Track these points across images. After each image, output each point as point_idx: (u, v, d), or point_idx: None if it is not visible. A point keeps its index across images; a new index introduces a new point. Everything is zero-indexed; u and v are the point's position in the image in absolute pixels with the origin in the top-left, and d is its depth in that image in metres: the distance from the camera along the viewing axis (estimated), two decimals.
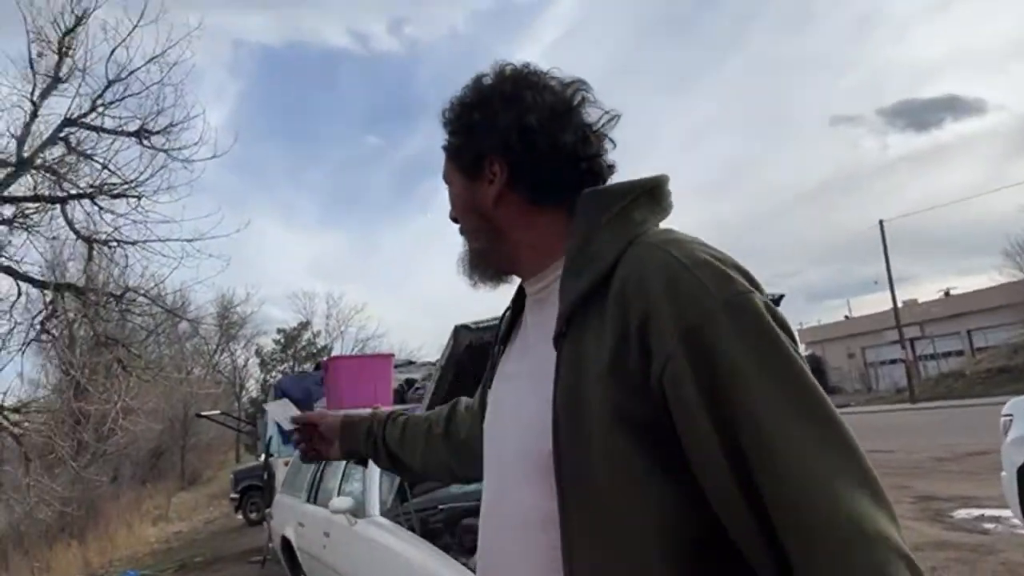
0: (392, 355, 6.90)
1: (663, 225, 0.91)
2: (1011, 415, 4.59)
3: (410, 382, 6.45)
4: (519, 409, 0.95)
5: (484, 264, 1.04)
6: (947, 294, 36.54)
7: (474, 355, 2.85)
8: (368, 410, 1.51)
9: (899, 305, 30.25)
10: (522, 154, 0.96)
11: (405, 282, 51.31)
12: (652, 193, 0.93)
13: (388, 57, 48.66)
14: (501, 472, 0.98)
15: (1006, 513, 5.87)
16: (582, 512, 0.82)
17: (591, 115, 0.98)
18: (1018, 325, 25.99)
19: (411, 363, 8.21)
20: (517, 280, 1.07)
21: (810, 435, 0.72)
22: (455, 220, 1.07)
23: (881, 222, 29.52)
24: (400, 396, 6.20)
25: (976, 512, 7.00)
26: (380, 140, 53.78)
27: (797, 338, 0.81)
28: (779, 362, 0.75)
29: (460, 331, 2.76)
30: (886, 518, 0.71)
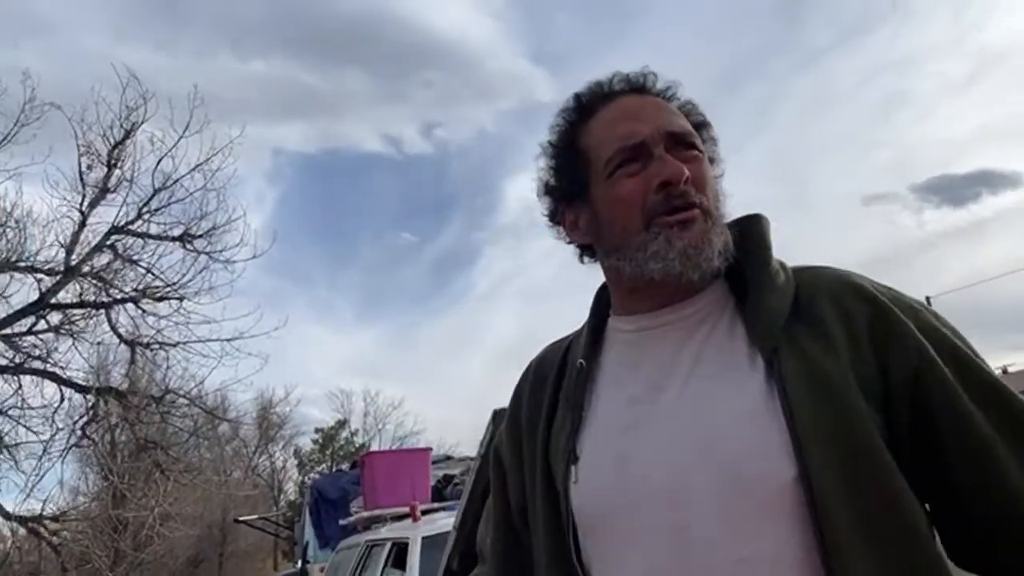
0: (430, 449, 6.70)
1: None
2: None
3: (448, 478, 6.18)
4: (705, 450, 0.78)
5: (720, 256, 0.85)
6: (1004, 371, 35.04)
7: None
8: None
9: None
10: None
11: (442, 377, 50.97)
12: None
13: (420, 159, 50.21)
14: (678, 536, 0.78)
15: None
16: (857, 543, 0.71)
17: None
18: None
19: (448, 458, 7.94)
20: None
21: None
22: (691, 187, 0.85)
23: (928, 299, 28.81)
24: (438, 493, 5.95)
25: None
26: (413, 236, 54.92)
27: None
28: (977, 356, 0.80)
29: (499, 415, 2.58)
30: None
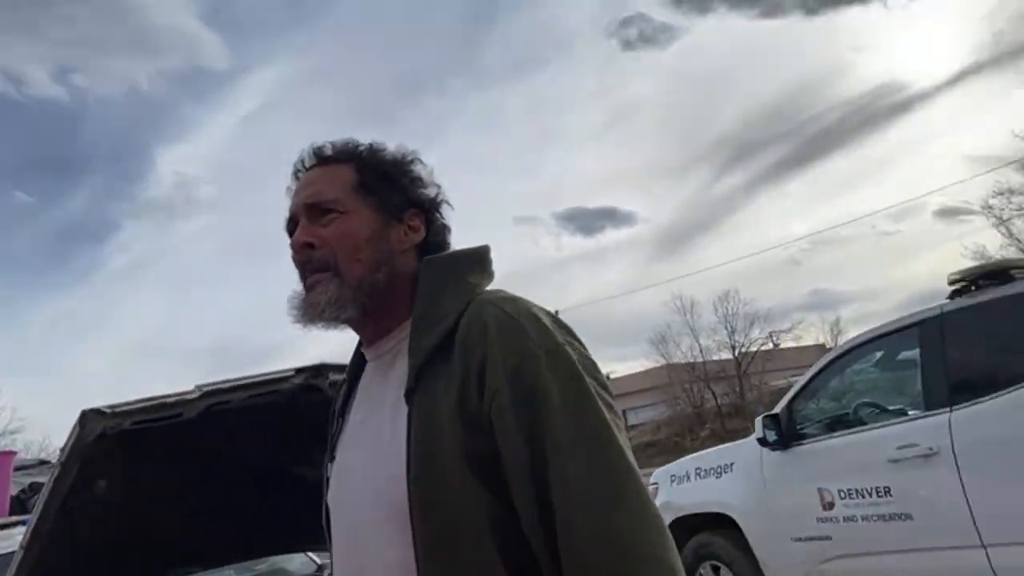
0: (13, 453, 5.69)
1: (490, 288, 1.07)
2: (656, 484, 5.10)
3: (35, 486, 5.28)
4: (370, 469, 1.00)
5: (367, 296, 1.05)
6: (607, 377, 41.58)
7: (110, 447, 2.25)
8: None
9: None
10: (437, 220, 1.14)
11: (56, 367, 43.81)
12: (481, 260, 1.10)
13: (48, 105, 42.78)
14: (355, 536, 1.02)
15: None
16: (436, 553, 0.90)
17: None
18: (660, 405, 30.36)
19: (44, 463, 6.83)
20: (350, 332, 1.13)
21: (597, 466, 0.86)
22: (309, 245, 1.05)
23: (556, 312, 32.73)
24: (21, 504, 5.06)
25: None
26: (29, 196, 46.41)
27: (608, 384, 0.98)
28: (583, 402, 0.91)
29: (89, 417, 2.18)
30: (666, 546, 0.83)
